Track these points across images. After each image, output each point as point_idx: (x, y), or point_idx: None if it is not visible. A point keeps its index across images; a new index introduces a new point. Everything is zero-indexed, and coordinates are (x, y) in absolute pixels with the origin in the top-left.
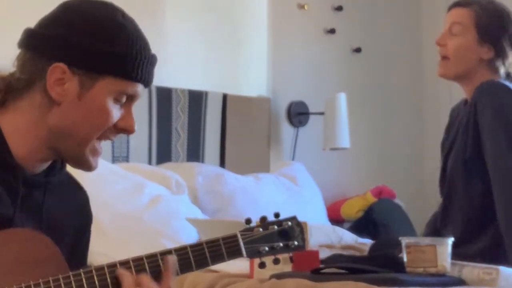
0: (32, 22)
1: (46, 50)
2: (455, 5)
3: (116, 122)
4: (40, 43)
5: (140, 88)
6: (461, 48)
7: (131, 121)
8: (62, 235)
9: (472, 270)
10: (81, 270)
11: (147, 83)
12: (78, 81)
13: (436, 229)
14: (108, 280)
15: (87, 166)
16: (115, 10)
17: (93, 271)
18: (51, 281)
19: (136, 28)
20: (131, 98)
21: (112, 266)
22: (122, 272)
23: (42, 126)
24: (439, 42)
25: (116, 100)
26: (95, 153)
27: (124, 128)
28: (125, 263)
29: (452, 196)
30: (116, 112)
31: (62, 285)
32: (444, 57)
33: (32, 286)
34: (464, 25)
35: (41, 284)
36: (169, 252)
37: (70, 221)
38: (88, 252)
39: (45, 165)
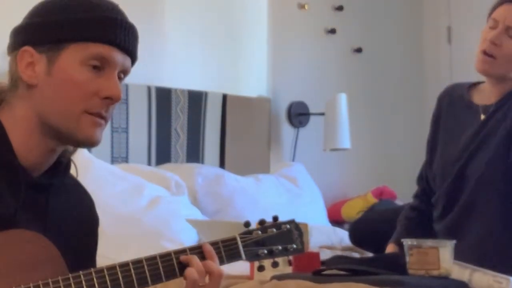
0: None
1: (15, 42)
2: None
3: (98, 91)
4: (11, 39)
5: (114, 52)
6: None
7: (114, 88)
8: (69, 238)
9: (483, 276)
10: (80, 272)
11: (119, 45)
12: (46, 58)
13: (411, 231)
14: (108, 282)
15: (86, 140)
16: None
17: (93, 273)
18: (50, 283)
19: (99, 1)
20: (109, 64)
21: (112, 269)
22: (190, 256)
23: (31, 115)
24: (495, 41)
25: (89, 67)
26: (93, 124)
27: (107, 96)
28: (124, 265)
29: (476, 203)
30: (89, 79)
31: (62, 287)
32: (491, 55)
33: (32, 287)
34: None
35: (41, 285)
36: (168, 254)
37: (76, 224)
38: (96, 255)
39: (49, 162)
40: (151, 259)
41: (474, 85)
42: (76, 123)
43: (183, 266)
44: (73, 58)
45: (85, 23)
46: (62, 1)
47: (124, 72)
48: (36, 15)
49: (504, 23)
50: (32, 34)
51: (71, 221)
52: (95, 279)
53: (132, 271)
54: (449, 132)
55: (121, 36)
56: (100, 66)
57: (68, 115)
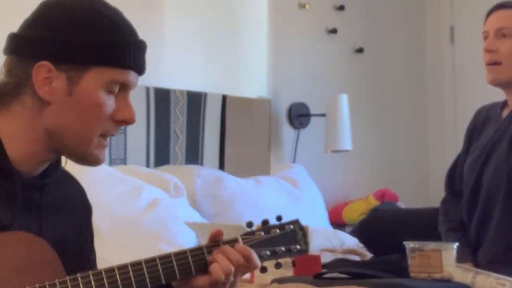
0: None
1: (29, 51)
2: (498, 7)
3: (113, 114)
4: (23, 45)
5: (132, 76)
6: None
7: (129, 111)
8: (66, 234)
9: (486, 279)
10: (78, 274)
11: (138, 69)
12: (65, 77)
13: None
14: (106, 285)
15: (93, 161)
16: (94, 2)
17: (91, 275)
18: (47, 286)
19: (119, 16)
20: (125, 87)
21: (111, 271)
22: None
23: (38, 128)
24: (489, 48)
25: (109, 91)
26: (100, 146)
27: (123, 120)
28: (123, 267)
29: (490, 209)
30: (110, 104)
31: None
32: (495, 63)
33: None
34: None
35: None
36: (168, 256)
37: (70, 217)
38: (94, 244)
39: (44, 167)
40: (150, 261)
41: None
42: (89, 145)
43: (184, 267)
44: (96, 81)
45: (110, 47)
46: (82, 17)
47: (133, 88)
48: (57, 29)
49: (493, 28)
50: (53, 50)
51: (65, 215)
52: (92, 282)
53: (131, 273)
54: (476, 147)
55: (141, 61)
56: (118, 90)
57: (84, 137)
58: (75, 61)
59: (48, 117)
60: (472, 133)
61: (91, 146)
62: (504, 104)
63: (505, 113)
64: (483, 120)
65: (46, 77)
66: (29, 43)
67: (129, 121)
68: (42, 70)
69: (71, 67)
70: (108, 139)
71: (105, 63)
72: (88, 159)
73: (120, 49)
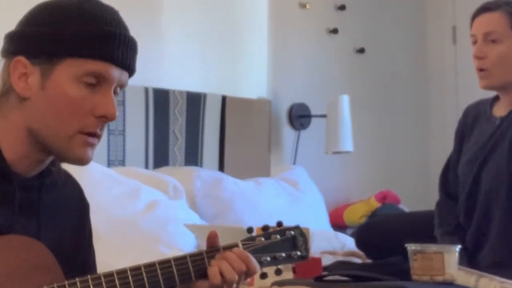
0: None
1: (8, 49)
2: (481, 11)
3: (93, 109)
4: (5, 45)
5: (112, 69)
6: (505, 56)
7: (109, 106)
8: (64, 233)
9: (489, 282)
10: (77, 279)
11: (118, 62)
12: (39, 71)
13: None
14: None
15: (76, 160)
16: None
17: (89, 280)
18: None
19: (99, 9)
20: (106, 81)
21: (109, 276)
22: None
23: (22, 127)
24: (479, 55)
25: (85, 84)
26: (85, 144)
27: (103, 115)
28: (122, 272)
29: (490, 212)
30: (86, 97)
31: None
32: (484, 69)
33: None
34: (500, 30)
35: None
36: (167, 261)
37: (69, 217)
38: (92, 241)
39: (42, 168)
40: (150, 266)
41: (497, 98)
42: (68, 142)
43: (183, 273)
44: (68, 73)
45: (81, 38)
46: (59, 10)
47: (121, 86)
48: (32, 23)
49: (480, 33)
50: (27, 44)
51: (63, 214)
52: (91, 287)
53: (130, 278)
54: (470, 147)
55: (119, 53)
56: (95, 82)
57: (60, 134)
58: (45, 53)
59: (27, 114)
60: (463, 133)
61: (71, 143)
62: (494, 100)
63: (495, 110)
64: (472, 118)
65: (23, 72)
66: (9, 41)
67: (109, 117)
68: (18, 65)
69: (43, 60)
70: (96, 137)
71: (75, 53)
72: (70, 157)
73: (91, 39)
